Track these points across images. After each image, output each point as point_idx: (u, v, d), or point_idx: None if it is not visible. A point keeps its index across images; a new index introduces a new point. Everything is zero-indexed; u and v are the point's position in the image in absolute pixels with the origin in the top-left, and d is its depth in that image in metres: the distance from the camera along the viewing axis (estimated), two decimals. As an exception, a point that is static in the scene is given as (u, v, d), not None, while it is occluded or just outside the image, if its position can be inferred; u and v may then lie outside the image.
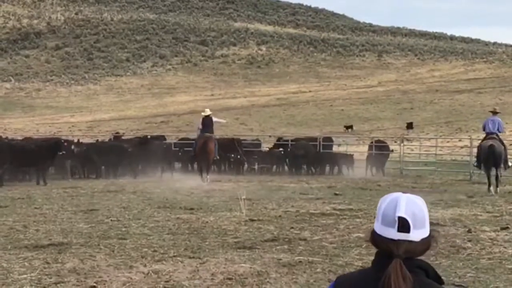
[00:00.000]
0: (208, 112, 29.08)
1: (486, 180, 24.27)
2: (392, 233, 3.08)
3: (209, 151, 28.46)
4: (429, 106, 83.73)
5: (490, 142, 23.72)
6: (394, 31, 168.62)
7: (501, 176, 24.26)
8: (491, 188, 23.31)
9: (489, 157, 23.36)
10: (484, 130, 24.85)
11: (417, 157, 42.24)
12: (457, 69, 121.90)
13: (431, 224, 3.20)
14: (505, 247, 12.31)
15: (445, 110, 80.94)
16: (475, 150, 27.90)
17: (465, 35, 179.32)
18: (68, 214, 16.73)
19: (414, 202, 3.18)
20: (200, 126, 29.07)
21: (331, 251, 12.00)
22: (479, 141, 25.61)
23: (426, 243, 3.13)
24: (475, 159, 26.16)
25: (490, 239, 13.19)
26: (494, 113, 24.93)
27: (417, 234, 3.09)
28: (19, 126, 74.05)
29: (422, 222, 3.12)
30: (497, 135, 24.23)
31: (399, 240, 3.06)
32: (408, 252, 3.05)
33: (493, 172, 23.81)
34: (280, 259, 11.19)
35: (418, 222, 3.10)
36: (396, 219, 3.08)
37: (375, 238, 3.16)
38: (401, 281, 2.98)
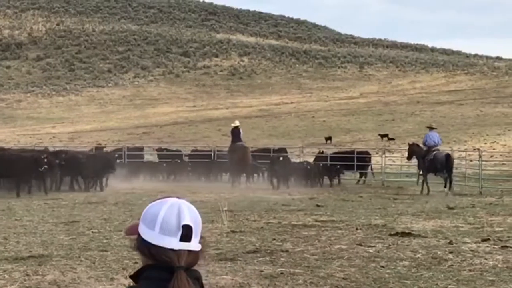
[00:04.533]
0: (237, 123, 33.17)
1: (425, 186, 29.15)
2: (174, 243, 2.82)
3: (247, 159, 32.22)
4: (411, 118, 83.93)
5: (445, 152, 30.35)
6: (375, 43, 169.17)
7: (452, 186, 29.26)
8: (446, 189, 28.66)
9: (447, 164, 28.77)
10: (425, 143, 30.11)
11: (398, 169, 42.31)
12: (438, 81, 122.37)
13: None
14: (486, 259, 12.35)
15: (426, 121, 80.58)
16: (456, 161, 31.70)
17: (446, 47, 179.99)
18: (48, 226, 16.65)
19: (193, 209, 2.95)
20: (230, 136, 33.47)
21: (313, 262, 11.99)
22: (435, 152, 29.72)
23: (200, 252, 2.92)
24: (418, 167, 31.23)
25: (471, 250, 13.23)
26: (431, 128, 30.99)
27: (196, 243, 2.88)
28: (0, 137, 73.64)
29: (199, 230, 2.92)
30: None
31: (180, 250, 2.83)
32: (187, 262, 2.84)
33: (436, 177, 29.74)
34: (262, 271, 11.17)
35: (198, 230, 2.90)
36: (181, 227, 2.83)
37: (150, 249, 2.85)
38: None
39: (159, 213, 2.86)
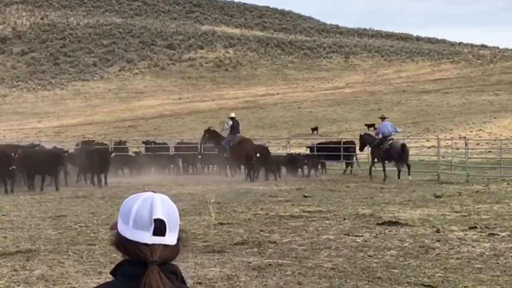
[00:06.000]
0: (233, 114, 34.08)
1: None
2: (147, 237, 2.78)
3: (251, 152, 31.39)
4: (396, 107, 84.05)
5: (400, 142, 31.76)
6: (360, 33, 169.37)
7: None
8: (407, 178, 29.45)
9: (403, 154, 29.95)
10: (380, 134, 31.22)
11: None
12: (423, 70, 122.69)
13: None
14: (473, 247, 12.39)
15: (412, 110, 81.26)
16: (442, 150, 32.04)
17: (431, 35, 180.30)
18: (36, 221, 16.60)
19: (168, 203, 2.87)
20: (228, 128, 33.62)
21: (300, 253, 12.00)
22: (391, 142, 30.83)
23: (177, 247, 2.87)
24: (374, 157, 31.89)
25: (459, 238, 13.27)
26: (383, 118, 32.15)
27: (171, 237, 2.82)
28: (-14, 132, 73.33)
29: (175, 224, 2.85)
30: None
31: (153, 245, 2.78)
32: (162, 257, 2.79)
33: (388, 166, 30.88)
34: (250, 263, 11.18)
35: (173, 225, 2.83)
36: (153, 221, 2.79)
37: (125, 244, 2.82)
38: None
39: (133, 207, 2.84)
